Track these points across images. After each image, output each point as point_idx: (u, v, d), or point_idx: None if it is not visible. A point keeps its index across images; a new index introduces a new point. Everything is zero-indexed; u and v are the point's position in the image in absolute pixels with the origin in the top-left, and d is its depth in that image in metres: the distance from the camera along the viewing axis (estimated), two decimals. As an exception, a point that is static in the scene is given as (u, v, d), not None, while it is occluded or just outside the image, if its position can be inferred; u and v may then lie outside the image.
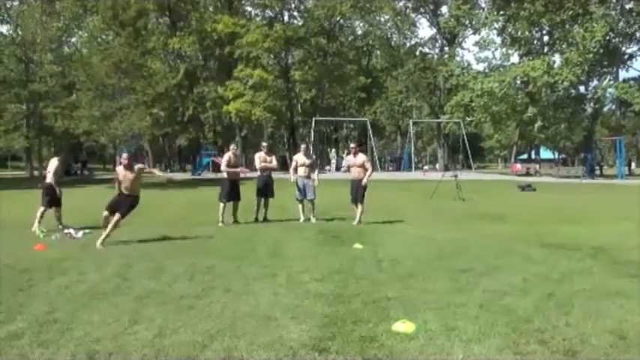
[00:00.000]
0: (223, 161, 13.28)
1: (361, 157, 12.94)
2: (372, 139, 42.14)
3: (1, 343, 4.60)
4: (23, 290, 6.37)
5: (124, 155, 10.37)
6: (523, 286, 6.42)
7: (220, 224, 12.54)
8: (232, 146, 13.72)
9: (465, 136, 45.92)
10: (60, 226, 12.09)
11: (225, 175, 13.12)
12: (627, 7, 40.47)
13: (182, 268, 7.50)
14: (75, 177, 41.12)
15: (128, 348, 4.46)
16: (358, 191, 12.65)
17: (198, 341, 4.58)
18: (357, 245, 9.30)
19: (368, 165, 12.82)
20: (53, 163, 12.87)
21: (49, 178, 12.68)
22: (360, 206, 12.63)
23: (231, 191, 12.94)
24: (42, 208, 12.43)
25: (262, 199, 13.41)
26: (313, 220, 13.19)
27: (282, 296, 5.99)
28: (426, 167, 56.56)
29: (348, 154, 13.89)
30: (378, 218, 13.12)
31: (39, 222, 12.07)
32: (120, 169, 10.30)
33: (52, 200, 12.59)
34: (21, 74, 38.82)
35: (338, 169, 41.35)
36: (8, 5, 42.24)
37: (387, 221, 13.04)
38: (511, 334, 4.73)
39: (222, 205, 12.88)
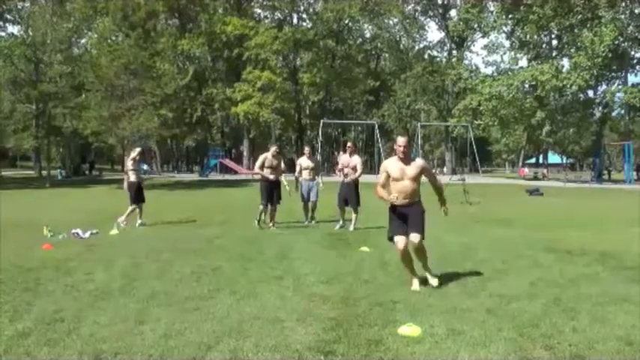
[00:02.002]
0: (258, 162, 12.59)
1: (356, 159, 12.65)
2: (380, 142, 42.06)
3: (9, 341, 4.62)
4: (30, 289, 6.40)
5: (420, 160, 9.04)
6: (530, 290, 6.40)
7: (256, 225, 12.32)
8: (274, 148, 12.78)
9: (473, 140, 45.83)
10: (139, 221, 12.91)
11: (259, 177, 12.54)
12: (637, 11, 40.26)
13: (189, 269, 7.52)
14: (83, 177, 41.32)
15: (134, 348, 4.47)
16: (351, 195, 12.41)
17: (203, 342, 4.59)
18: (364, 248, 9.29)
19: (359, 167, 12.51)
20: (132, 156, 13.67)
21: (132, 175, 13.44)
22: (355, 211, 12.39)
23: (270, 194, 12.38)
24: (141, 205, 13.23)
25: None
26: (313, 222, 13.19)
27: (289, 299, 5.99)
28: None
29: (345, 152, 13.52)
30: (385, 222, 13.07)
31: (140, 217, 13.01)
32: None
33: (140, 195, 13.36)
34: (31, 74, 39.04)
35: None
36: (19, 6, 42.49)
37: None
38: (517, 338, 4.72)
39: (261, 207, 12.57)
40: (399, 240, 6.47)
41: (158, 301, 5.86)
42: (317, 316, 5.34)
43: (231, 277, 7.03)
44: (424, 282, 6.59)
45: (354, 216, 12.41)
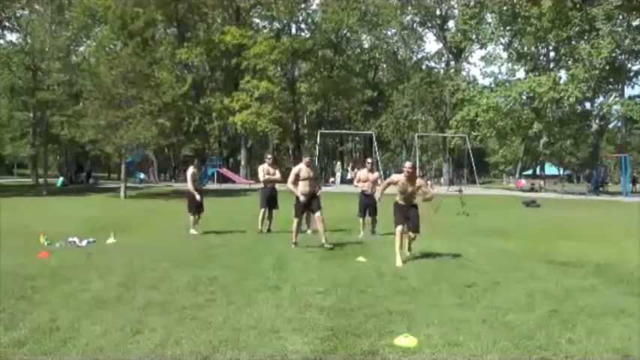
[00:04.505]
0: (291, 176, 11.39)
1: (376, 174, 13.74)
2: (377, 153, 42.10)
3: (4, 350, 4.61)
4: (26, 298, 6.39)
5: (421, 180, 9.86)
6: (526, 302, 6.40)
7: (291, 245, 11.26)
8: (307, 158, 11.78)
9: (470, 151, 45.89)
10: (193, 229, 13.19)
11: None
12: (634, 24, 40.43)
13: (185, 278, 7.50)
14: (80, 185, 41.27)
15: (130, 357, 4.47)
16: (372, 206, 12.99)
17: (200, 352, 4.58)
18: (361, 258, 9.29)
19: (380, 181, 13.18)
20: (189, 171, 13.67)
21: (189, 186, 13.55)
22: (374, 220, 13.19)
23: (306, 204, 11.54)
24: (192, 216, 13.45)
25: (266, 211, 13.40)
26: (309, 232, 13.15)
27: (285, 309, 5.99)
28: (429, 182, 56.42)
29: (357, 167, 14.05)
30: (381, 232, 13.11)
31: (194, 226, 13.29)
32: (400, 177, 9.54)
33: (199, 205, 13.63)
34: (29, 82, 38.99)
35: (343, 182, 41.29)
36: (18, 14, 42.52)
37: (391, 234, 13.00)
38: (513, 350, 4.72)
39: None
40: (399, 228, 9.19)
41: (154, 311, 5.85)
42: (313, 326, 5.33)
43: (227, 287, 7.02)
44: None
45: (374, 223, 13.21)
